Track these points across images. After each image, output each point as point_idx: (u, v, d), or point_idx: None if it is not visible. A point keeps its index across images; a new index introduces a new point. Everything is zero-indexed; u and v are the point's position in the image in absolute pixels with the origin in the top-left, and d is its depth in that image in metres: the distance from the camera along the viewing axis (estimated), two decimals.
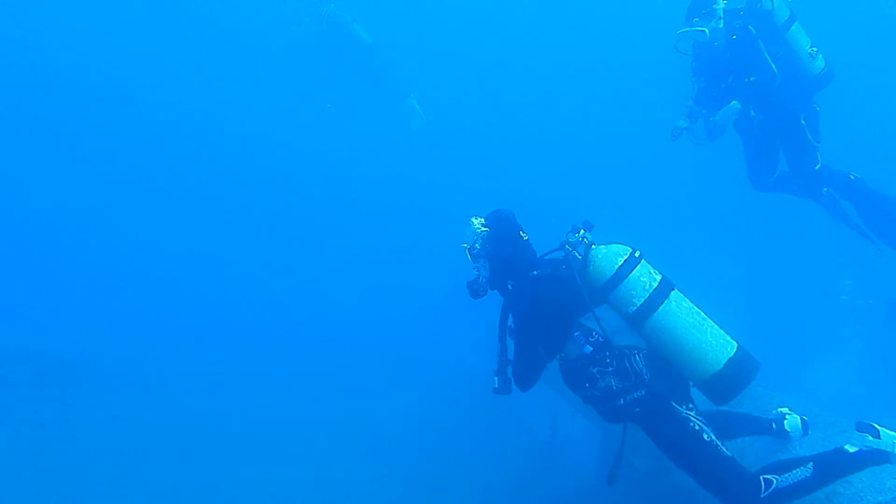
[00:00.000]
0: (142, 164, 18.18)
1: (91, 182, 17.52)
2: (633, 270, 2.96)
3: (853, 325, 8.60)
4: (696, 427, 2.80)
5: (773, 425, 3.44)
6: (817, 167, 5.24)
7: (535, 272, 3.14)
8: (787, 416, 3.43)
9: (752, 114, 5.10)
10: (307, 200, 18.47)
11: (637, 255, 3.03)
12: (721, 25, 4.89)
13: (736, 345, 2.91)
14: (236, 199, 18.36)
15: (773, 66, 4.83)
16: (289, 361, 10.97)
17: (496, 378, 3.23)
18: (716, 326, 2.94)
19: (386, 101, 12.17)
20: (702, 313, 2.98)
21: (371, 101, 12.71)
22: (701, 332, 2.88)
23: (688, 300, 3.02)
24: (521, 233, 3.29)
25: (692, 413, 2.86)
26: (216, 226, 17.17)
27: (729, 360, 2.84)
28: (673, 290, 3.00)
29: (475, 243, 3.27)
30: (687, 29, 4.98)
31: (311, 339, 11.99)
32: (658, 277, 2.99)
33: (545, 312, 3.03)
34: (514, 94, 20.36)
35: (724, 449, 2.78)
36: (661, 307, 2.91)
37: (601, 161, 18.36)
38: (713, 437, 2.80)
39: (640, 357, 2.91)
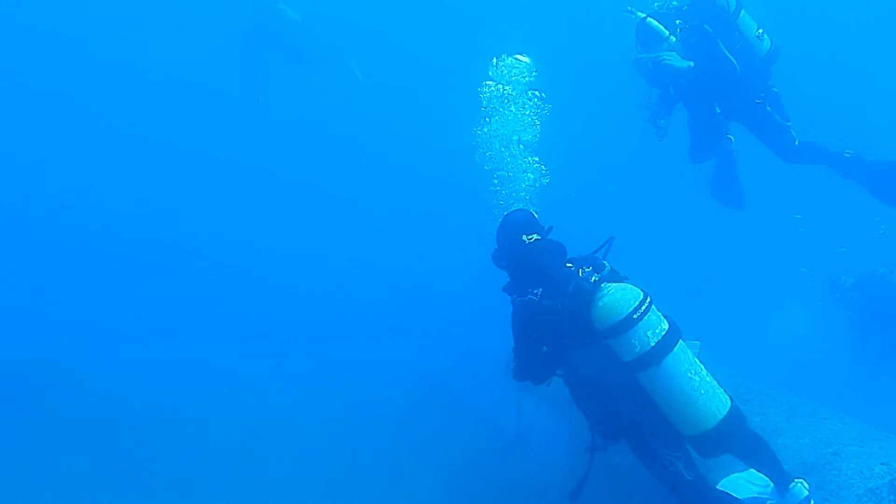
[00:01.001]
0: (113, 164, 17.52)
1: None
2: (639, 322, 2.82)
3: (805, 293, 9.03)
4: (666, 461, 2.87)
5: (786, 482, 3.12)
6: (796, 143, 5.26)
7: (537, 291, 3.04)
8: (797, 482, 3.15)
9: (718, 111, 5.14)
10: (276, 198, 18.01)
11: (646, 305, 2.87)
12: (674, 41, 4.88)
13: (729, 403, 2.84)
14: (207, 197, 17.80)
15: (734, 61, 4.87)
16: (248, 362, 10.63)
17: (515, 366, 3.22)
18: (713, 383, 2.87)
19: (324, 70, 12.01)
20: (701, 368, 2.89)
21: (308, 76, 12.55)
22: (698, 390, 2.79)
23: (690, 355, 2.90)
24: (525, 236, 3.18)
25: (668, 451, 2.88)
26: (182, 224, 16.63)
27: (719, 421, 2.77)
28: (677, 343, 2.88)
29: (495, 252, 3.31)
30: (650, 55, 4.91)
31: (269, 339, 11.57)
32: (664, 328, 2.86)
33: (531, 337, 3.04)
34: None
35: (685, 475, 2.85)
36: (659, 364, 2.80)
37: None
38: (680, 468, 2.85)
39: (623, 398, 2.91)
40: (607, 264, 3.13)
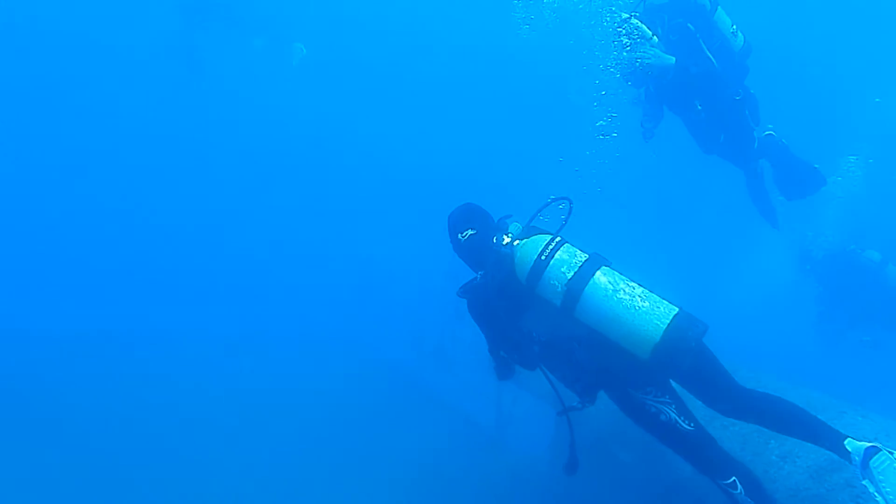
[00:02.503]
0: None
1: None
2: (549, 262, 2.90)
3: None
4: (653, 409, 2.84)
5: (838, 441, 2.84)
6: (755, 146, 5.42)
7: (477, 276, 3.19)
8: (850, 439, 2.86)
9: (699, 108, 5.15)
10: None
11: (554, 244, 2.96)
12: (657, 41, 4.86)
13: (673, 314, 2.75)
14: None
15: (713, 60, 4.92)
16: (216, 361, 10.10)
17: (496, 365, 3.36)
18: (652, 298, 2.80)
19: (261, 45, 11.37)
20: (635, 287, 2.84)
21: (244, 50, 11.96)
22: (631, 309, 2.75)
23: (618, 277, 2.87)
24: (460, 234, 3.32)
25: (649, 396, 2.86)
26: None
27: (664, 331, 2.69)
28: (597, 270, 2.86)
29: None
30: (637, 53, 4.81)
31: (239, 336, 11.05)
32: (581, 258, 2.91)
33: (488, 325, 3.18)
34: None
35: (684, 425, 2.81)
36: (583, 294, 2.80)
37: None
38: (673, 415, 2.82)
39: (579, 346, 2.91)
40: (517, 224, 3.21)
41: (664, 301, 2.83)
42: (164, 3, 10.84)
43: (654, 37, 4.84)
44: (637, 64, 4.87)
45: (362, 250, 13.80)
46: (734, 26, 5.21)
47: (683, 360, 2.74)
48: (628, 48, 4.92)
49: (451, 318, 9.01)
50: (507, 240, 3.11)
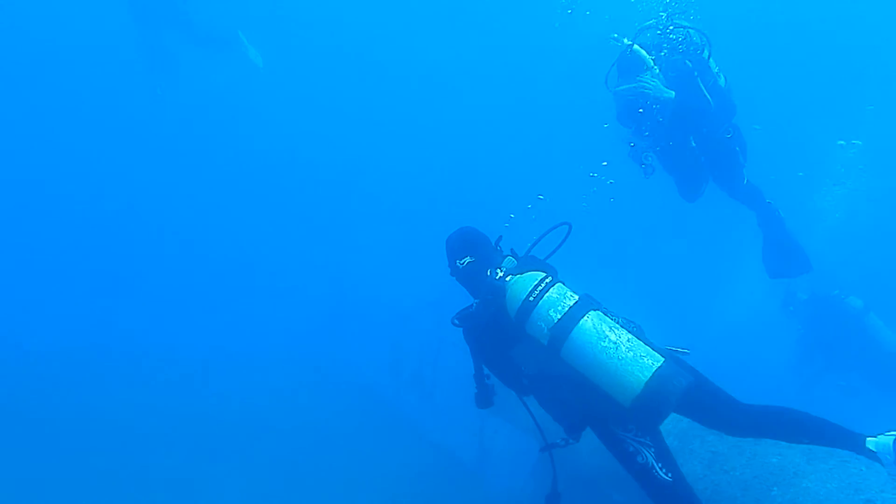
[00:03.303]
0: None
1: None
2: (539, 301, 2.92)
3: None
4: (631, 449, 2.82)
5: (859, 441, 2.85)
6: (745, 182, 5.47)
7: (472, 305, 3.20)
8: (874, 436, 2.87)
9: (693, 145, 5.21)
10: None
11: (545, 284, 2.97)
12: (657, 72, 4.89)
13: (657, 365, 2.74)
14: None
15: (709, 97, 4.97)
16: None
17: (477, 393, 3.33)
18: (639, 346, 2.80)
19: (216, 48, 11.32)
20: (622, 333, 2.85)
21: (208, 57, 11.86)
22: (613, 357, 2.76)
23: (607, 321, 2.88)
24: (459, 261, 3.33)
25: (630, 434, 2.83)
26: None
27: (646, 382, 2.69)
28: (587, 313, 2.88)
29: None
30: (632, 85, 4.84)
31: (209, 361, 10.54)
32: (568, 304, 2.91)
33: (481, 354, 3.19)
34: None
35: (661, 473, 2.76)
36: (569, 337, 2.83)
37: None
38: (650, 460, 2.78)
39: (566, 385, 2.91)
40: (511, 258, 3.28)
41: (651, 350, 2.81)
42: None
43: (655, 67, 4.87)
44: (633, 94, 4.87)
45: (341, 270, 13.53)
46: (717, 67, 5.29)
47: (664, 412, 2.74)
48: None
49: (433, 346, 8.83)
50: (500, 274, 3.14)
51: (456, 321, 3.20)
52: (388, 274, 12.70)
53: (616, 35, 5.00)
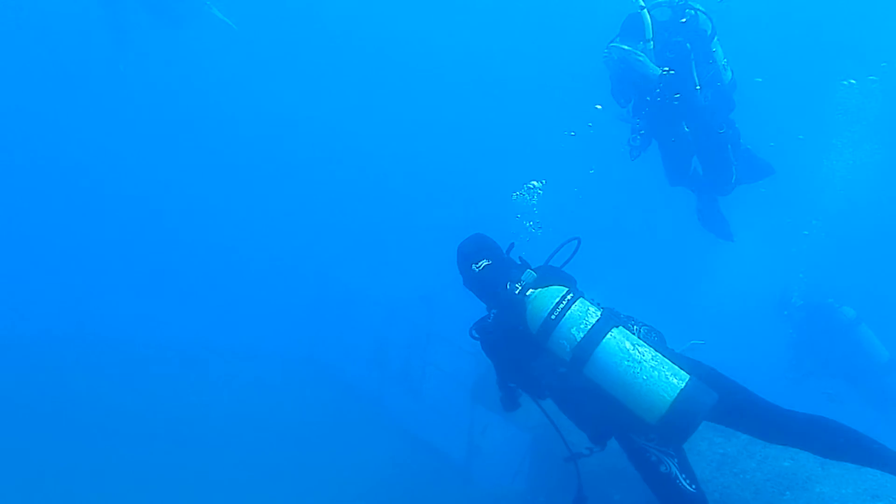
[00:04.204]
0: None
1: None
2: (562, 318, 2.84)
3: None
4: (654, 458, 2.77)
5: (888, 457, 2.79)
6: (733, 180, 5.39)
7: (492, 312, 3.13)
8: None
9: (686, 130, 5.11)
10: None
11: (568, 300, 2.88)
12: (651, 46, 4.80)
13: (683, 383, 2.68)
14: None
15: (697, 83, 4.84)
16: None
17: (502, 396, 3.28)
18: (662, 363, 2.73)
19: (188, 18, 10.93)
20: (646, 350, 2.78)
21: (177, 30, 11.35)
22: (637, 377, 2.69)
23: (630, 338, 2.81)
24: (475, 265, 3.22)
25: (652, 444, 2.77)
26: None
27: (672, 402, 2.64)
28: (610, 330, 2.81)
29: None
30: (627, 48, 4.77)
31: (189, 358, 10.20)
32: (593, 320, 2.83)
33: (500, 358, 3.11)
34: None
35: (684, 484, 2.71)
36: (592, 355, 2.76)
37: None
38: (674, 470, 2.73)
39: (587, 399, 2.83)
40: (530, 271, 3.17)
41: (675, 367, 2.75)
42: None
43: (651, 42, 4.80)
44: (624, 58, 4.79)
45: (325, 262, 13.21)
46: (725, 59, 5.19)
47: (690, 431, 2.68)
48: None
49: (421, 340, 8.67)
50: (519, 288, 3.05)
51: (474, 333, 3.13)
52: (375, 267, 12.50)
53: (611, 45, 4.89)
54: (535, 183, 4.81)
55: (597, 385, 2.78)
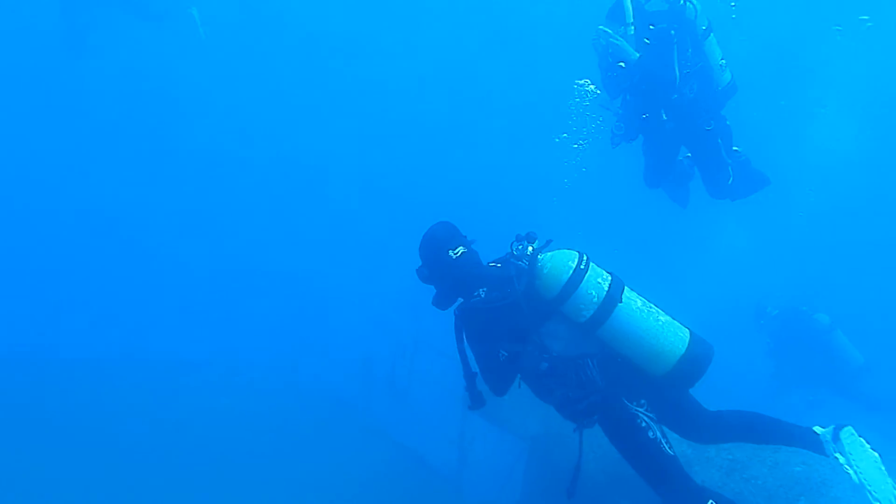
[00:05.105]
0: None
1: None
2: (581, 280, 2.92)
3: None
4: (643, 424, 2.88)
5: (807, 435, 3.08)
6: (730, 181, 5.37)
7: (480, 291, 3.09)
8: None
9: (664, 118, 5.13)
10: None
11: (584, 262, 2.98)
12: (632, 31, 4.86)
13: (689, 334, 2.96)
14: None
15: (677, 73, 4.85)
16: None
17: (467, 394, 3.20)
18: (668, 319, 2.98)
19: (159, 12, 10.73)
20: (653, 308, 3.00)
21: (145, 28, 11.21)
22: (654, 330, 2.91)
23: (638, 297, 3.01)
24: (451, 251, 3.21)
25: (642, 409, 2.92)
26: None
27: (684, 352, 2.89)
28: (623, 290, 2.98)
29: (420, 269, 3.31)
30: (608, 31, 4.85)
31: (169, 366, 9.87)
32: (607, 282, 2.95)
33: (494, 336, 3.04)
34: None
35: (667, 448, 2.87)
36: (612, 313, 2.90)
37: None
38: (658, 435, 2.88)
39: (593, 363, 2.94)
40: (537, 239, 3.20)
41: (676, 322, 2.99)
42: None
43: (632, 27, 4.86)
44: (605, 40, 4.85)
45: (309, 271, 12.98)
46: (723, 60, 5.17)
47: (699, 376, 2.92)
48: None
49: (408, 348, 8.58)
50: (531, 249, 3.09)
51: (460, 312, 3.09)
52: (359, 275, 12.32)
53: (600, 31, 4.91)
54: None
55: (602, 346, 2.95)
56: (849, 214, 11.13)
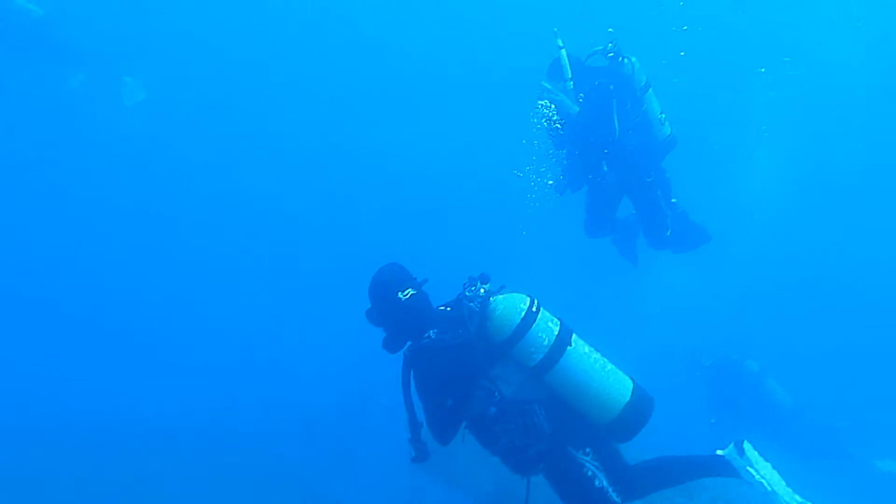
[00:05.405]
0: None
1: None
2: (532, 324, 2.96)
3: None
4: (589, 473, 2.92)
5: (714, 461, 3.21)
6: (668, 233, 5.56)
7: (431, 333, 3.08)
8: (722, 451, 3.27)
9: (605, 169, 5.32)
10: None
11: (536, 306, 3.03)
12: (571, 86, 5.08)
13: (632, 383, 3.03)
14: None
15: (616, 126, 5.04)
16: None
17: (411, 446, 3.15)
18: (613, 367, 3.04)
19: (81, 82, 10.45)
20: (599, 357, 3.05)
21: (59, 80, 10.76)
22: (601, 377, 2.95)
23: (586, 345, 3.07)
24: (401, 293, 3.18)
25: (588, 458, 2.96)
26: None
27: (629, 400, 2.95)
28: (572, 336, 3.04)
29: (369, 311, 3.28)
30: (549, 86, 5.08)
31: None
32: (557, 328, 3.01)
33: (443, 378, 3.03)
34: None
35: (614, 497, 2.90)
36: (561, 358, 2.94)
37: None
38: (605, 484, 2.91)
39: (540, 409, 2.97)
40: (486, 287, 3.21)
41: (620, 372, 3.06)
42: None
43: (570, 82, 5.05)
44: (547, 95, 5.03)
45: (246, 322, 12.33)
46: (663, 114, 5.41)
47: (640, 427, 2.99)
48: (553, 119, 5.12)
49: (354, 409, 8.33)
50: (483, 290, 3.12)
51: (410, 353, 3.08)
52: (300, 326, 11.82)
53: (556, 30, 5.11)
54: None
55: (549, 392, 2.98)
56: (777, 259, 11.81)
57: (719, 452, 3.13)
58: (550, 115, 5.17)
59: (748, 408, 7.72)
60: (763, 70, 12.89)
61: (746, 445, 3.04)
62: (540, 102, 5.19)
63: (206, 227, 15.80)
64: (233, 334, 11.84)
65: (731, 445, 3.08)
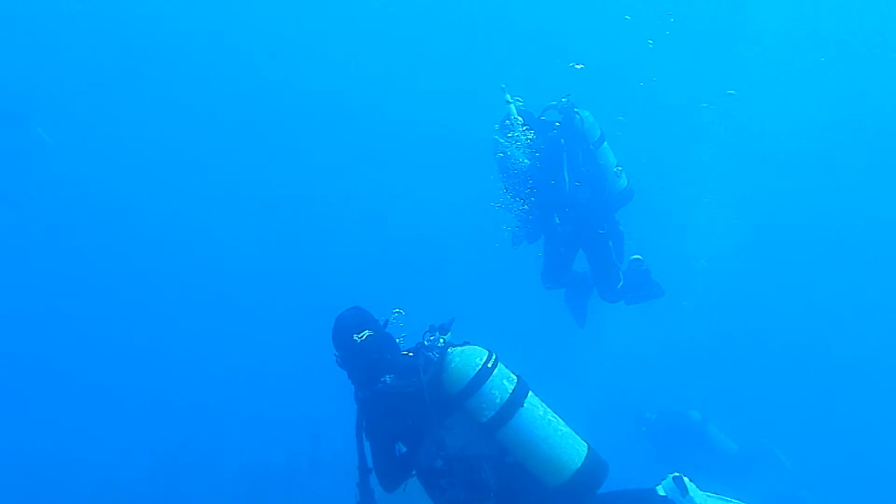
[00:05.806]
0: None
1: None
2: (487, 379, 2.93)
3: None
4: None
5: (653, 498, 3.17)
6: (619, 285, 5.62)
7: (387, 378, 3.05)
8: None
9: (557, 221, 5.40)
10: None
11: (493, 361, 3.00)
12: (523, 140, 5.13)
13: (587, 448, 2.98)
14: None
15: (566, 178, 5.12)
16: None
17: (357, 490, 3.10)
18: (568, 430, 3.00)
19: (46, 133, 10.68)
20: (554, 419, 3.01)
21: None
22: (553, 439, 2.91)
23: (542, 405, 3.03)
24: (356, 335, 3.18)
25: None
26: None
27: (580, 465, 2.90)
28: (527, 395, 3.00)
29: (335, 354, 3.26)
30: (501, 140, 5.10)
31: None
32: (513, 385, 2.97)
33: (391, 425, 3.02)
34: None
35: None
36: (512, 418, 2.90)
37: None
38: None
39: (488, 466, 2.91)
40: (446, 337, 3.17)
41: (576, 436, 3.01)
42: None
43: (531, 131, 5.04)
44: (499, 149, 5.06)
45: (190, 381, 11.84)
46: (619, 167, 5.43)
47: (591, 494, 2.91)
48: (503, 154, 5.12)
49: (304, 469, 8.11)
50: (442, 340, 3.09)
51: (360, 398, 3.07)
52: (248, 385, 11.45)
53: (504, 86, 5.13)
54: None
55: (500, 450, 2.92)
56: (722, 307, 12.09)
57: (659, 489, 3.05)
58: (505, 165, 5.21)
59: (694, 456, 7.92)
60: (706, 105, 13.08)
61: (685, 479, 3.01)
62: (499, 154, 5.27)
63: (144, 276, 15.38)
64: (179, 394, 11.35)
65: (669, 478, 3.05)
